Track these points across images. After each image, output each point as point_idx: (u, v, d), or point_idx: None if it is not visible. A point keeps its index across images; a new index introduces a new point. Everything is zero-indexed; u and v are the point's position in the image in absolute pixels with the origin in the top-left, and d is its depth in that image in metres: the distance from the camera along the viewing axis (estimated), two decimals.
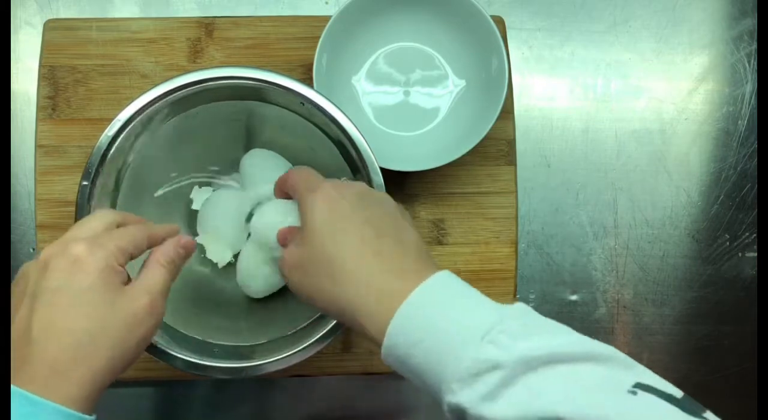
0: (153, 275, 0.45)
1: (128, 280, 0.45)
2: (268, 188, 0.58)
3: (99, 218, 0.46)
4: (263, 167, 0.62)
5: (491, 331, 0.39)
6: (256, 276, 0.60)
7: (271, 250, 0.56)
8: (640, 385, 0.37)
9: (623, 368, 0.38)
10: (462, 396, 0.38)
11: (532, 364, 0.38)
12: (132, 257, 0.45)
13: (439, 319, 0.40)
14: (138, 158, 0.58)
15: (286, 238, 0.52)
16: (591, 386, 0.37)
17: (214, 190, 0.64)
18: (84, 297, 0.41)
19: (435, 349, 0.40)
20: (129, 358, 0.43)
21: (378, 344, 0.42)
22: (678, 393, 0.37)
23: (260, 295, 0.62)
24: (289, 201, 0.55)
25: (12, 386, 0.39)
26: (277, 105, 0.59)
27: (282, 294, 0.62)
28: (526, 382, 0.37)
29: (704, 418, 0.36)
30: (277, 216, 0.55)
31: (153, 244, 0.47)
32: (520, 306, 0.41)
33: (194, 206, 0.63)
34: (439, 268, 0.44)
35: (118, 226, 0.47)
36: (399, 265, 0.44)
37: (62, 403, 0.39)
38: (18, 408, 0.38)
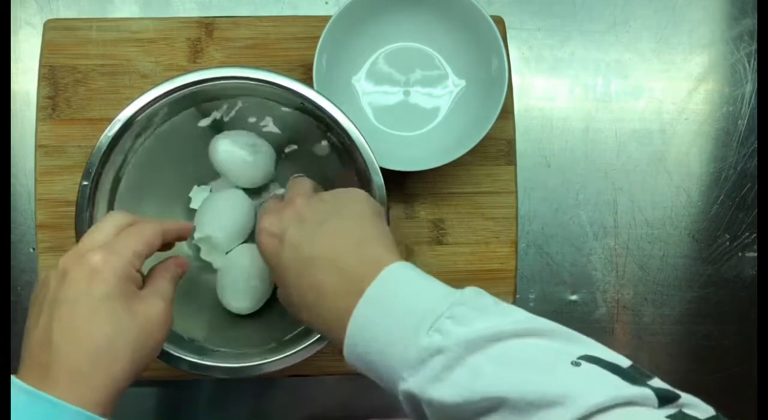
0: (164, 283, 0.47)
1: (142, 284, 0.47)
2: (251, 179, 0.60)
3: (111, 222, 0.47)
4: (235, 156, 0.61)
5: (439, 319, 0.40)
6: (240, 292, 0.60)
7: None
8: (585, 357, 0.37)
9: (569, 341, 0.39)
10: (411, 382, 0.39)
11: (475, 345, 0.38)
12: (147, 257, 0.46)
13: (388, 316, 0.41)
14: (138, 158, 0.58)
15: None
16: (531, 360, 0.38)
17: (211, 191, 0.64)
18: (103, 305, 0.42)
19: (387, 344, 0.41)
20: (145, 362, 0.44)
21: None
22: (625, 363, 0.38)
23: (243, 312, 0.61)
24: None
25: (34, 390, 0.40)
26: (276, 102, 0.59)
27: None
28: (470, 362, 0.38)
29: (648, 385, 0.36)
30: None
31: (167, 239, 0.49)
32: (470, 291, 0.42)
33: (192, 205, 0.63)
34: (390, 259, 0.44)
35: None
36: (346, 286, 0.44)
37: (84, 407, 0.40)
38: (41, 411, 0.39)
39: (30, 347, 0.42)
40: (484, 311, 0.40)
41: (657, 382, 0.37)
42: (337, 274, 0.44)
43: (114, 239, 0.45)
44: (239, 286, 0.60)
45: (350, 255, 0.45)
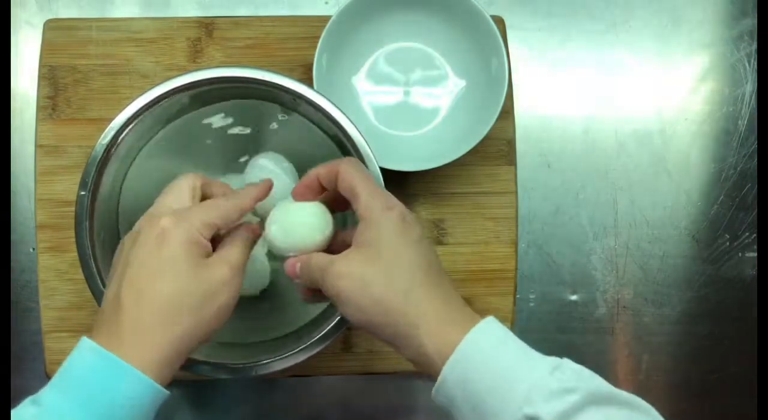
0: (233, 250, 0.48)
1: (211, 254, 0.47)
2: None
3: (186, 183, 0.49)
4: (271, 172, 0.60)
5: (559, 367, 0.42)
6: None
7: (284, 251, 0.51)
8: None
9: None
10: (541, 408, 0.40)
11: (597, 398, 0.40)
12: (219, 229, 0.47)
13: (506, 348, 0.43)
14: (138, 159, 0.58)
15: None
16: None
17: None
18: (168, 266, 0.44)
19: (503, 371, 0.42)
20: (206, 327, 0.45)
21: (422, 363, 0.44)
22: None
23: (244, 294, 0.60)
24: (313, 204, 0.50)
25: (99, 347, 0.42)
26: (278, 104, 0.59)
27: (281, 293, 0.62)
28: (596, 412, 0.40)
29: None
30: (310, 219, 0.50)
31: (244, 212, 0.50)
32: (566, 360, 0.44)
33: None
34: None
35: (203, 191, 0.50)
36: (456, 304, 0.46)
37: (144, 365, 0.42)
38: (102, 365, 0.42)
39: (103, 306, 0.45)
40: (591, 374, 0.43)
41: None
42: (449, 288, 0.46)
43: (189, 208, 0.47)
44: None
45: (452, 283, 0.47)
